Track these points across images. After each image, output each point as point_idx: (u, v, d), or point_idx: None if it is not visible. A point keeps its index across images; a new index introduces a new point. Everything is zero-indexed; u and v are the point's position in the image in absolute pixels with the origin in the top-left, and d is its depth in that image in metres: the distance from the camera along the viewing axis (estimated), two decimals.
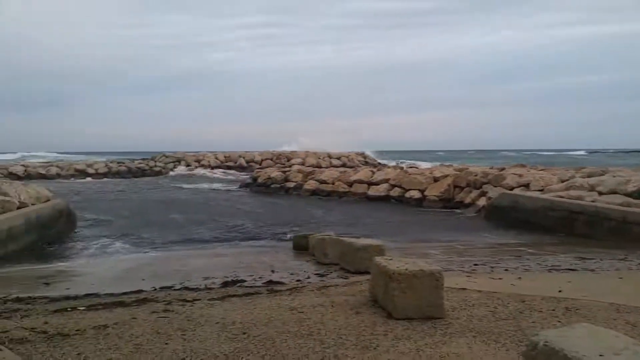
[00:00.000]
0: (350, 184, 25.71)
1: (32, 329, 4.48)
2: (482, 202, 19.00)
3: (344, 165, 46.64)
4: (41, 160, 60.79)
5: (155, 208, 22.93)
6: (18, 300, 6.23)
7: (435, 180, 22.52)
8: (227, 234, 15.37)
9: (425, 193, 22.11)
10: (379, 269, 5.09)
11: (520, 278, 6.84)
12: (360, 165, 46.47)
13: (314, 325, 4.43)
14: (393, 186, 23.76)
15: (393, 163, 50.38)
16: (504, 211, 16.56)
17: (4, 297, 6.52)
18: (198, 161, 54.38)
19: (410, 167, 29.80)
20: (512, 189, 17.97)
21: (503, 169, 21.87)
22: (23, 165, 47.44)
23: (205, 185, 36.64)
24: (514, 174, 19.38)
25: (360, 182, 25.35)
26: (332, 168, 35.65)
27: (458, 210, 20.08)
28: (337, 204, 23.91)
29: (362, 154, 58.28)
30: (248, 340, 4.05)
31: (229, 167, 53.75)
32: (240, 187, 33.45)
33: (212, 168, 52.77)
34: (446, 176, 22.32)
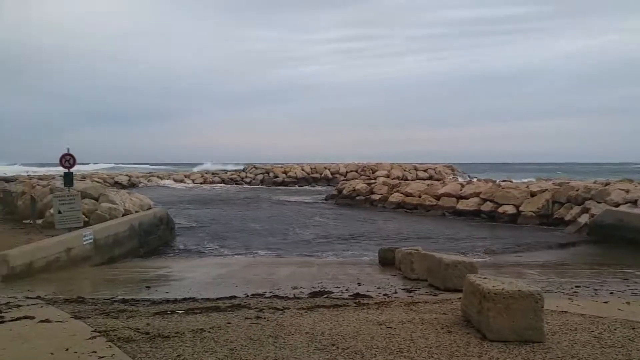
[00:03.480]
0: (438, 197, 25.08)
1: (137, 329, 4.80)
2: (584, 219, 17.69)
3: (430, 178, 45.66)
4: (138, 171, 65.45)
5: (243, 217, 23.86)
6: (124, 301, 6.73)
7: (532, 194, 21.32)
8: (312, 245, 15.61)
9: (521, 208, 21.01)
10: (472, 287, 4.89)
11: (628, 303, 6.26)
12: (449, 177, 45.21)
13: (403, 342, 4.34)
14: (484, 200, 22.83)
15: (483, 176, 48.46)
16: (608, 229, 15.31)
17: (112, 297, 7.07)
18: (285, 172, 55.78)
19: (504, 181, 28.48)
20: (617, 205, 16.57)
21: (608, 184, 20.16)
22: (127, 175, 51.40)
23: (291, 196, 37.49)
24: (620, 189, 17.85)
25: (449, 195, 24.64)
26: (418, 180, 35.04)
27: (557, 228, 18.85)
28: (423, 218, 23.42)
29: (450, 166, 56.72)
30: (337, 352, 4.05)
31: (315, 179, 54.60)
32: (324, 199, 33.85)
33: (298, 179, 53.92)
34: (544, 191, 21.05)
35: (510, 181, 28.88)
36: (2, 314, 5.59)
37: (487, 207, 22.40)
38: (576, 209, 18.80)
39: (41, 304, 6.41)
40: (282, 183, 52.76)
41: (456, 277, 7.43)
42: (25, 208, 17.79)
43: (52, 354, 4.04)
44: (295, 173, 55.53)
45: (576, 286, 8.09)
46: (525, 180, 31.07)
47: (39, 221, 15.26)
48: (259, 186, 51.37)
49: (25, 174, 48.12)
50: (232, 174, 55.81)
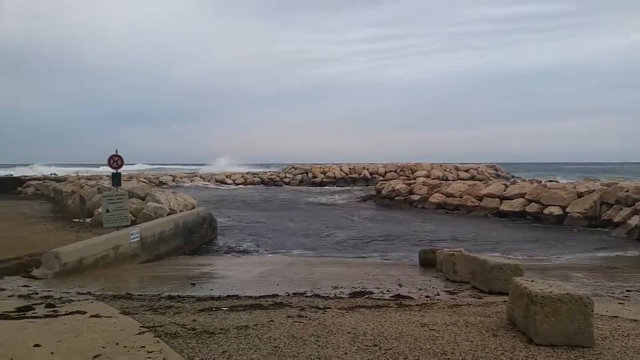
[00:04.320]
0: (480, 198, 24.57)
1: (183, 325, 4.93)
2: (634, 221, 16.94)
3: (472, 178, 44.76)
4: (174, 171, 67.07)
5: (282, 217, 24.08)
6: (170, 298, 6.91)
7: (579, 195, 20.59)
8: (350, 245, 15.60)
9: (567, 210, 20.33)
10: (519, 290, 4.77)
11: None
12: (492, 178, 44.22)
13: (447, 345, 4.29)
14: (529, 201, 22.21)
15: (527, 176, 47.12)
16: None
17: (158, 294, 7.28)
18: (324, 173, 55.89)
19: (550, 181, 27.64)
20: None
21: None
22: (171, 175, 52.77)
23: (329, 197, 37.54)
24: None
25: (492, 196, 24.10)
26: (459, 181, 34.43)
27: (605, 230, 18.14)
28: (465, 219, 23.01)
29: (493, 166, 55.41)
30: (380, 352, 4.04)
31: (353, 179, 54.49)
32: (363, 199, 33.74)
33: (336, 179, 53.95)
34: (592, 191, 20.28)
35: (557, 181, 28.00)
36: (55, 308, 5.84)
37: (532, 208, 21.78)
38: (626, 210, 18.02)
39: (91, 299, 6.67)
40: (321, 183, 52.89)
41: (501, 280, 7.27)
42: (75, 207, 18.52)
43: (104, 347, 4.19)
44: (334, 173, 55.56)
45: (627, 290, 7.78)
46: (572, 180, 30.06)
47: (88, 220, 15.85)
48: (298, 186, 51.69)
49: (74, 174, 50.09)
50: (271, 175, 56.39)
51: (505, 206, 22.94)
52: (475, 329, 4.82)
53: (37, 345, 4.24)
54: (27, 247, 11.45)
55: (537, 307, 4.41)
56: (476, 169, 51.69)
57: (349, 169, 57.22)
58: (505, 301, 5.45)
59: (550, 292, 4.43)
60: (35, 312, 5.60)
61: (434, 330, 4.74)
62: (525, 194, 22.68)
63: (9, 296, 6.84)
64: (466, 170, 50.83)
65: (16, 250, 11.04)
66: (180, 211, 15.64)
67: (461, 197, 25.55)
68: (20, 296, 6.84)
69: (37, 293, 7.12)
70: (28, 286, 7.86)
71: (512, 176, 50.83)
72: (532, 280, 4.97)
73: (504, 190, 24.07)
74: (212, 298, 6.84)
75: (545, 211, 21.06)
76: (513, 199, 22.99)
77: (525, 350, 4.17)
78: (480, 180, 36.80)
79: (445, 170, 49.92)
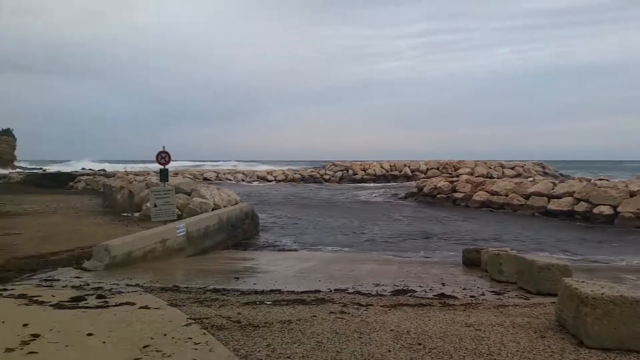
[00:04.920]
0: (527, 197, 23.88)
1: (228, 317, 5.03)
2: None
3: (518, 176, 43.59)
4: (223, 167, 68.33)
5: (323, 213, 24.15)
6: (215, 291, 7.06)
7: (632, 194, 19.70)
8: (391, 243, 15.48)
9: (618, 209, 19.49)
10: (569, 291, 4.62)
11: None
12: (539, 175, 42.91)
13: (493, 345, 4.20)
14: (578, 200, 21.42)
15: (575, 174, 45.46)
16: None
17: (204, 287, 7.45)
18: (364, 170, 55.69)
19: (600, 179, 26.56)
20: None
21: None
22: (215, 172, 53.89)
23: (369, 193, 37.37)
24: None
25: (539, 194, 23.38)
26: (505, 178, 33.56)
27: None
28: (510, 218, 22.43)
29: (541, 164, 53.73)
30: (424, 351, 4.00)
31: (394, 177, 54.05)
32: (404, 196, 33.40)
33: (377, 176, 53.67)
34: None
35: (607, 180, 26.87)
36: (106, 299, 6.07)
37: (582, 207, 21.00)
38: None
39: (140, 291, 6.89)
40: (361, 180, 52.74)
41: (549, 281, 7.06)
42: (124, 201, 19.19)
43: (152, 338, 4.32)
44: (374, 170, 55.28)
45: None
46: (624, 179, 28.77)
47: (137, 214, 16.38)
48: (338, 183, 51.73)
49: (123, 170, 51.88)
50: (311, 172, 56.67)
51: (553, 205, 22.22)
52: (522, 330, 4.70)
53: (90, 334, 4.43)
54: (78, 240, 11.96)
55: (587, 308, 4.26)
56: (522, 167, 50.29)
57: (390, 166, 56.81)
58: (554, 302, 5.29)
59: (603, 294, 4.27)
60: (88, 303, 5.84)
61: (480, 330, 4.64)
62: (574, 192, 21.89)
63: (63, 287, 7.14)
64: (512, 168, 49.54)
65: (68, 243, 11.56)
66: (224, 207, 15.94)
67: (507, 195, 24.91)
68: (73, 287, 7.14)
69: (88, 284, 7.41)
70: (80, 277, 8.19)
71: (561, 174, 49.14)
72: (582, 281, 4.80)
73: (552, 189, 23.30)
74: (256, 292, 6.94)
75: (595, 210, 20.27)
76: (561, 198, 22.24)
77: (575, 353, 4.03)
78: (527, 178, 35.76)
79: (489, 168, 48.82)
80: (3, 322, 4.81)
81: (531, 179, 29.11)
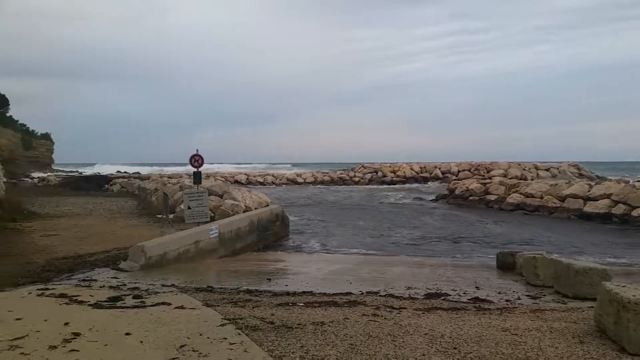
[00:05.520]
0: (562, 199, 23.28)
1: (262, 318, 5.07)
2: None
3: (553, 178, 42.57)
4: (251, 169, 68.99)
5: (352, 215, 24.11)
6: (248, 292, 7.14)
7: None
8: (422, 245, 15.33)
9: None
10: (609, 295, 4.49)
11: None
12: (574, 177, 41.79)
13: (530, 350, 4.11)
14: (616, 202, 20.76)
15: (613, 176, 44.04)
16: None
17: (237, 288, 7.54)
18: (394, 172, 55.34)
19: (638, 181, 25.69)
20: None
21: None
22: (245, 174, 54.44)
23: (399, 195, 37.09)
24: None
25: (575, 196, 22.76)
26: (539, 180, 32.82)
27: None
28: (545, 220, 21.92)
29: (576, 165, 52.31)
30: (459, 355, 3.94)
31: (424, 179, 53.55)
32: (434, 199, 33.03)
33: (406, 178, 53.29)
34: None
35: None
36: (143, 299, 6.20)
37: (619, 209, 20.35)
38: None
39: (175, 291, 7.01)
40: (391, 182, 52.45)
41: (587, 285, 6.87)
42: (158, 203, 19.57)
43: (188, 338, 4.40)
44: (404, 172, 54.89)
45: None
46: None
47: (171, 216, 16.67)
48: (367, 185, 51.56)
49: (157, 173, 52.99)
50: (341, 174, 56.65)
51: (590, 207, 21.60)
52: (560, 334, 4.59)
53: (127, 334, 4.53)
54: (114, 241, 12.26)
55: (630, 314, 4.13)
56: (557, 168, 49.05)
57: (420, 167, 56.30)
58: (592, 307, 5.16)
59: None
60: (125, 303, 5.98)
61: (516, 335, 4.55)
62: (612, 194, 21.23)
63: (101, 287, 7.33)
64: (547, 170, 48.38)
65: (105, 244, 11.86)
66: (255, 209, 16.08)
67: (542, 197, 24.35)
68: (110, 287, 7.32)
69: (125, 284, 7.58)
70: (117, 277, 8.39)
71: (597, 176, 47.73)
72: (624, 286, 4.66)
73: (588, 191, 22.66)
74: (288, 293, 6.98)
75: (634, 213, 19.61)
76: (598, 200, 21.60)
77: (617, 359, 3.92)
78: (562, 180, 34.89)
79: (523, 170, 47.78)
80: (45, 320, 4.97)
81: (566, 181, 28.39)
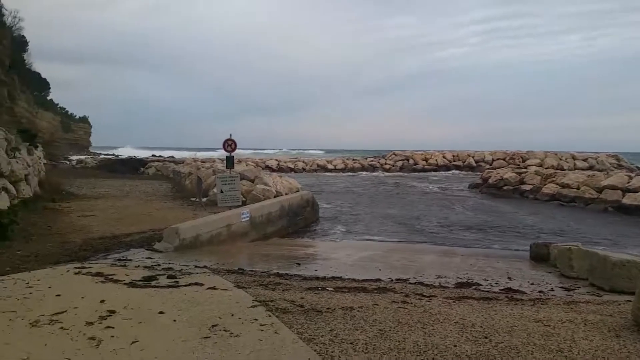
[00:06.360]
0: (600, 190, 22.58)
1: (292, 301, 5.13)
2: None
3: (590, 168, 41.34)
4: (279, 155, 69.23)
5: (382, 202, 24.00)
6: (278, 275, 7.23)
7: None
8: (453, 234, 15.14)
9: None
10: None
11: None
12: (613, 168, 40.45)
13: (563, 342, 4.04)
14: None
15: None
16: None
17: (268, 271, 7.64)
18: (425, 160, 54.71)
19: None
20: None
21: None
22: (276, 160, 54.77)
23: (430, 184, 36.68)
24: None
25: (613, 187, 22.03)
26: (576, 171, 31.91)
27: None
28: (582, 212, 21.34)
29: (615, 156, 50.56)
30: (490, 345, 3.91)
31: (457, 167, 52.80)
32: (468, 187, 32.55)
33: (439, 166, 52.61)
34: None
35: None
36: (176, 279, 6.36)
37: None
38: None
39: (208, 272, 7.15)
40: (422, 170, 51.91)
41: (624, 278, 6.69)
42: (192, 187, 19.93)
43: (220, 318, 4.49)
44: (436, 160, 54.20)
45: None
46: None
47: (204, 199, 16.97)
48: (398, 173, 51.16)
49: (191, 157, 53.88)
50: (371, 161, 56.35)
51: (628, 199, 20.88)
52: (595, 327, 4.49)
53: (161, 313, 4.66)
54: (149, 223, 12.57)
55: None
56: (595, 159, 47.55)
57: (453, 156, 55.48)
58: (629, 300, 5.02)
59: None
60: (159, 282, 6.14)
61: (549, 326, 4.48)
62: None
63: (136, 267, 7.54)
64: (584, 160, 46.97)
65: (140, 225, 12.17)
66: (286, 194, 16.20)
67: (578, 188, 23.67)
68: (145, 267, 7.52)
69: (159, 265, 7.78)
70: (151, 258, 8.61)
71: (637, 167, 46.08)
72: None
73: (627, 182, 21.89)
74: (317, 278, 7.03)
75: None
76: (638, 192, 20.85)
77: None
78: (600, 170, 33.83)
79: (560, 159, 46.52)
80: (83, 297, 5.16)
81: (605, 171, 27.50)
